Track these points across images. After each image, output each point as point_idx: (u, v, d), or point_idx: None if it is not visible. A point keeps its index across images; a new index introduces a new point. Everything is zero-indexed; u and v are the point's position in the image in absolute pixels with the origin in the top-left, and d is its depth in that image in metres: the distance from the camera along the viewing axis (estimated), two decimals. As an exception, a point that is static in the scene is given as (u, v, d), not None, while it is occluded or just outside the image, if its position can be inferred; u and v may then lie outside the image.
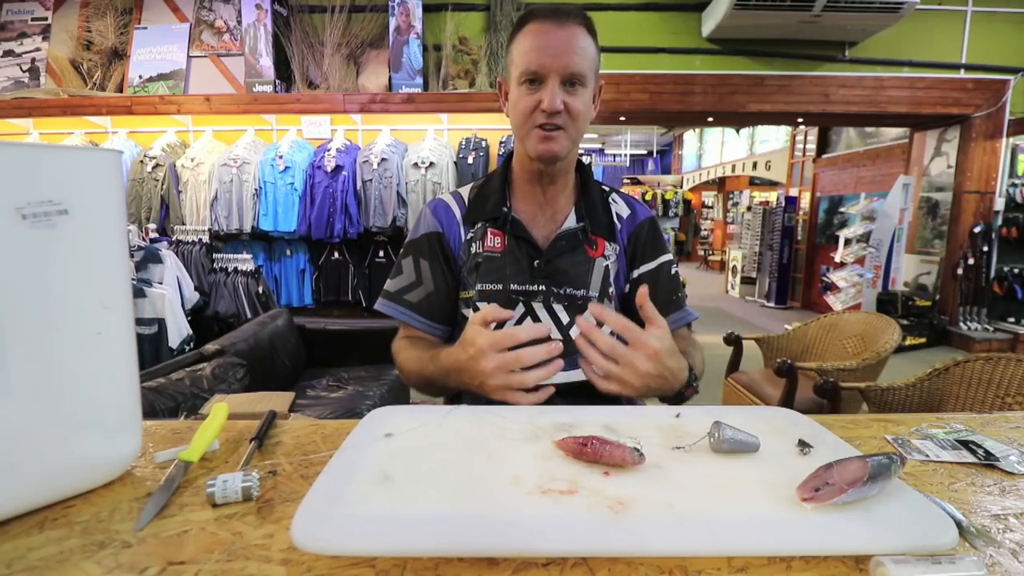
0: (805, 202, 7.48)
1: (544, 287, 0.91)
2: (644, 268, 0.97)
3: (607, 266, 0.94)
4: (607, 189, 1.02)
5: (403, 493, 0.49)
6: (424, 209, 1.01)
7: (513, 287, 0.91)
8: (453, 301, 0.96)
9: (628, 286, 0.98)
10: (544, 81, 0.83)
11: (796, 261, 7.36)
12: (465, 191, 1.01)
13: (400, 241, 4.15)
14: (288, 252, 4.51)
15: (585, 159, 1.21)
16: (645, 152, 15.12)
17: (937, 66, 4.58)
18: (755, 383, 2.36)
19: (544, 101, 0.82)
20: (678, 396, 0.80)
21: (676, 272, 1.01)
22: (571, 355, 0.91)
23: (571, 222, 0.94)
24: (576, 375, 0.91)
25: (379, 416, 0.68)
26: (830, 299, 5.42)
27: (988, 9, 4.57)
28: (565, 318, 0.92)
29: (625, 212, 1.00)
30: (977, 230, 4.70)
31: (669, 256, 1.00)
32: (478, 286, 0.92)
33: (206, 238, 3.96)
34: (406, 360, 0.92)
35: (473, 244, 0.94)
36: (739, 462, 0.56)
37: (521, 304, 0.92)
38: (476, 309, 0.91)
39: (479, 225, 0.94)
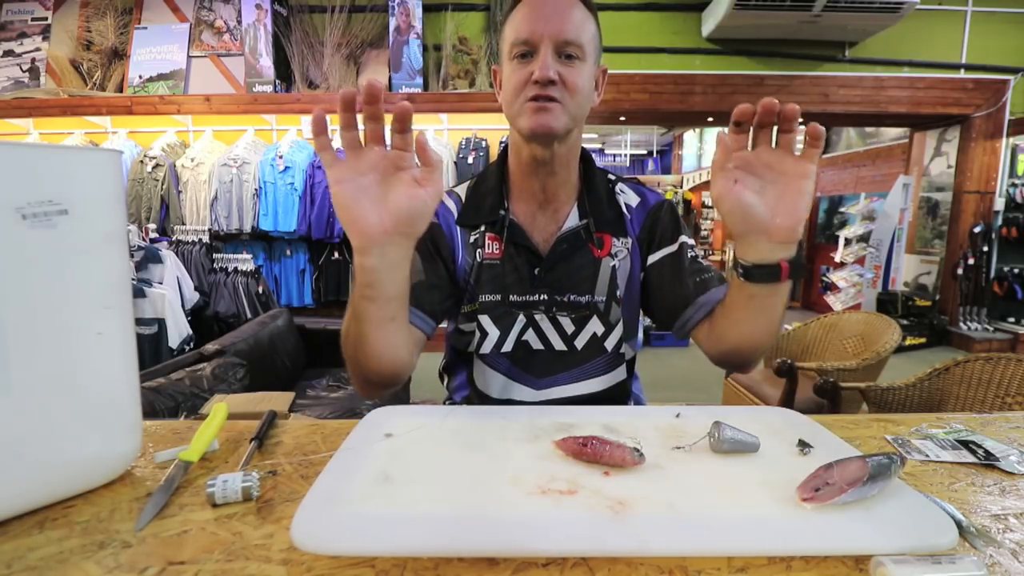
0: (805, 202, 7.47)
1: (546, 296, 0.85)
2: (661, 252, 0.88)
3: (614, 266, 0.87)
4: (613, 178, 0.93)
5: (403, 493, 0.49)
6: None
7: (512, 297, 0.85)
8: (445, 293, 0.87)
9: (643, 275, 0.89)
10: (536, 51, 0.75)
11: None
12: (462, 189, 0.93)
13: (400, 241, 4.15)
14: (288, 252, 4.51)
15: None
16: (645, 152, 15.11)
17: (937, 66, 4.58)
18: (755, 383, 2.36)
19: (536, 71, 0.74)
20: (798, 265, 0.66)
21: (697, 255, 0.89)
22: (579, 365, 0.87)
23: (573, 220, 0.87)
24: (584, 387, 0.87)
25: (379, 416, 0.68)
26: (830, 299, 5.41)
27: (988, 9, 4.57)
28: (570, 328, 0.86)
29: (634, 200, 0.91)
30: (977, 230, 4.69)
31: (688, 238, 0.89)
32: (480, 297, 0.86)
33: (206, 238, 3.97)
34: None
35: (477, 250, 0.87)
36: (739, 462, 0.56)
37: (522, 315, 0.85)
38: (480, 324, 0.86)
39: (481, 229, 0.87)
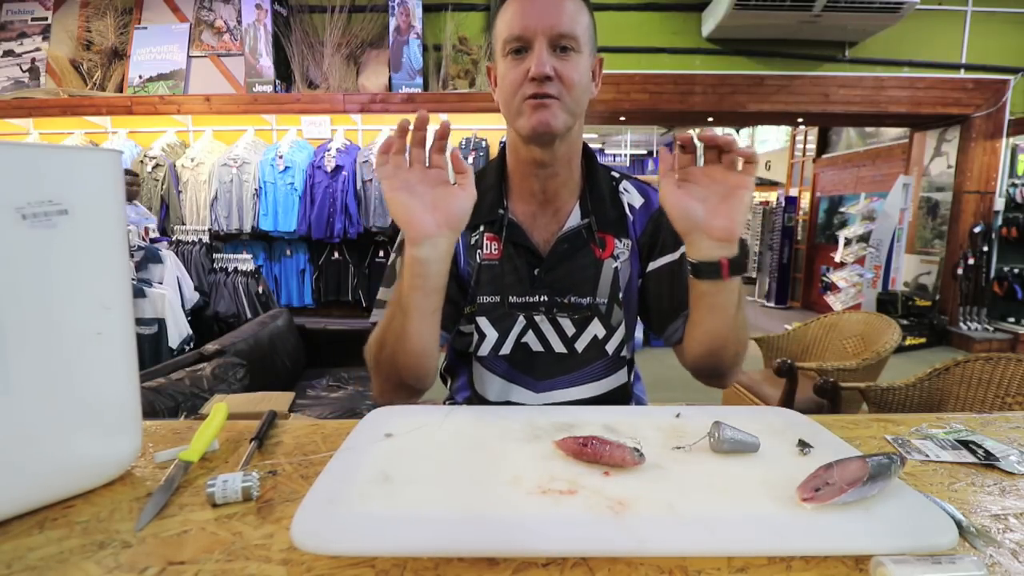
0: (805, 202, 7.47)
1: (546, 297, 0.83)
2: (663, 260, 0.86)
3: (616, 268, 0.85)
4: (617, 176, 0.91)
5: (403, 493, 0.49)
6: None
7: (512, 299, 0.83)
8: (453, 303, 0.85)
9: (641, 280, 0.88)
10: (530, 46, 0.74)
11: (796, 261, 7.35)
12: None
13: (400, 241, 4.17)
14: (288, 252, 4.51)
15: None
16: (645, 152, 15.10)
17: (937, 66, 4.58)
18: (755, 383, 2.36)
19: (531, 67, 0.73)
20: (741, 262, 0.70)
21: None
22: (579, 368, 0.86)
23: (575, 219, 0.84)
24: (584, 391, 0.86)
25: (379, 416, 0.68)
26: (830, 299, 5.41)
27: (988, 9, 4.57)
28: (571, 330, 0.85)
29: (638, 201, 0.89)
30: (977, 230, 4.69)
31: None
32: (479, 299, 0.84)
33: (206, 238, 3.97)
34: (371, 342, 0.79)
35: (477, 251, 0.85)
36: (739, 462, 0.56)
37: (521, 317, 0.84)
38: (478, 326, 0.84)
39: (480, 229, 0.85)
